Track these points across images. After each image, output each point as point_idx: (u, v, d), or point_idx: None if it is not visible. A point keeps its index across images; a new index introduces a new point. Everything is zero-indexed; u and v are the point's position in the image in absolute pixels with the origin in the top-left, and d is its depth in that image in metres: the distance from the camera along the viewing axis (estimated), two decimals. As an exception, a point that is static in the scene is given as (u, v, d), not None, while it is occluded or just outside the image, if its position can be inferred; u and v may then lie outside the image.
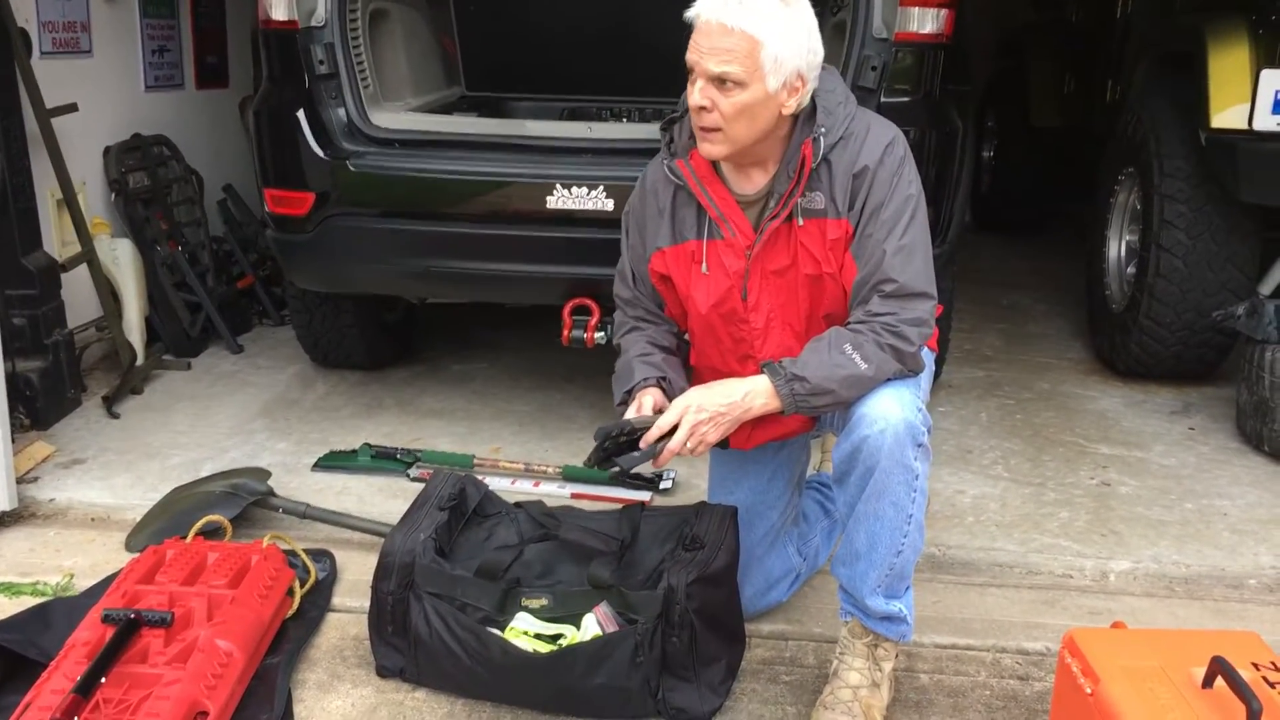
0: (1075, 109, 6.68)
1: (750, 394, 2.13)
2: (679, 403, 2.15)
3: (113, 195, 4.41)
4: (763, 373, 2.14)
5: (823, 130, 2.13)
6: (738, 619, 2.39)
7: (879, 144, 2.16)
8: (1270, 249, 4.02)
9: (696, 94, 2.09)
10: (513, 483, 3.25)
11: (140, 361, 4.16)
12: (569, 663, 2.18)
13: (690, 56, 2.10)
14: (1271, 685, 1.82)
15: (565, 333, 3.22)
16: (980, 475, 3.44)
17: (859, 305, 2.15)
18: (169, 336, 4.46)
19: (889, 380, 2.12)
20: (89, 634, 2.20)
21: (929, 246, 2.18)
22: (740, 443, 2.33)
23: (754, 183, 2.23)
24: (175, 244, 4.59)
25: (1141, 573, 2.88)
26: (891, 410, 2.07)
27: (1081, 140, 6.34)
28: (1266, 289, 3.99)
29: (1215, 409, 4.03)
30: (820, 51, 2.12)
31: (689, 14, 2.10)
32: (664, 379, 2.27)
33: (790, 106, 2.10)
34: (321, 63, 3.23)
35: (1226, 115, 3.69)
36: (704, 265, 2.24)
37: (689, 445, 2.13)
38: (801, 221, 2.16)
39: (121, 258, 4.27)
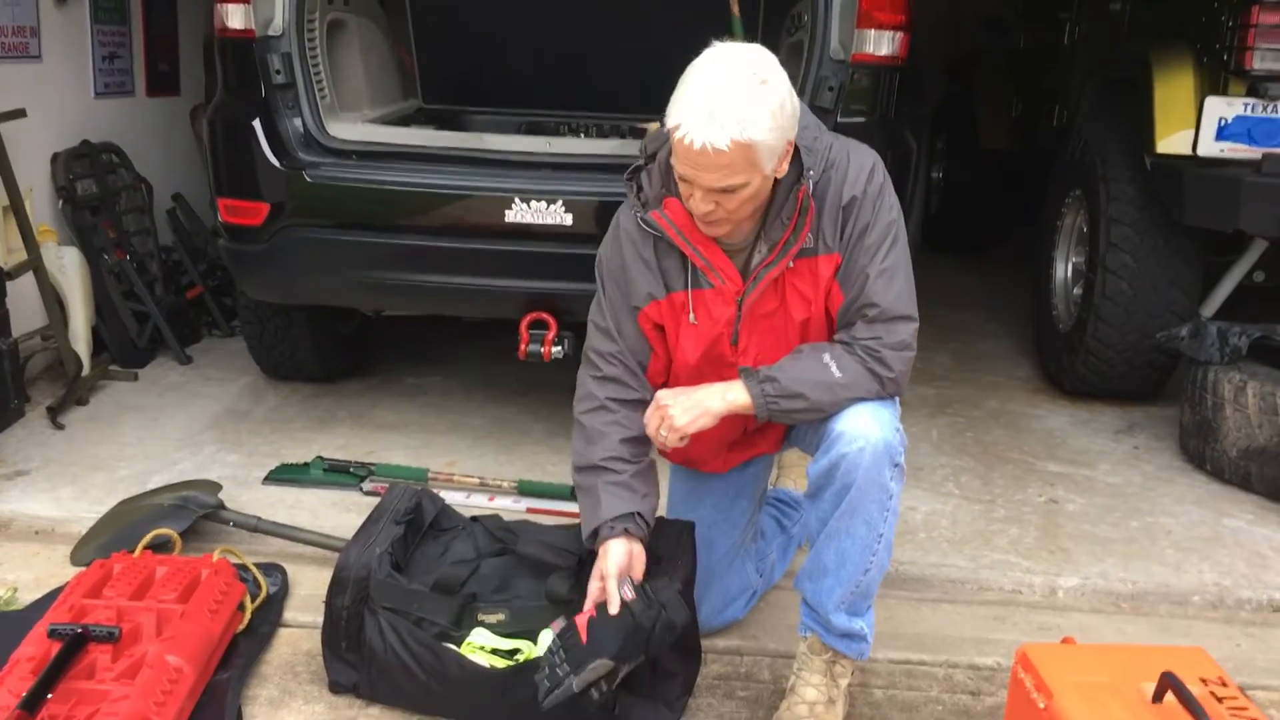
0: (1023, 132, 6.80)
1: (727, 391, 2.14)
2: (659, 397, 2.17)
3: (60, 202, 4.34)
4: (739, 378, 2.15)
5: (811, 172, 2.09)
6: (694, 635, 2.39)
7: (862, 171, 2.14)
8: (1213, 272, 4.11)
9: (699, 202, 2.02)
10: (467, 497, 3.23)
11: (86, 372, 4.09)
12: (526, 678, 2.16)
13: (683, 170, 1.99)
14: (1219, 700, 1.85)
15: (522, 347, 3.21)
16: (931, 492, 3.48)
17: (844, 329, 2.17)
18: (116, 346, 4.39)
19: (866, 399, 2.12)
20: (34, 649, 2.15)
21: (910, 269, 2.19)
22: (716, 467, 2.34)
23: (741, 230, 2.17)
24: (123, 253, 4.53)
25: (1089, 589, 2.93)
26: (870, 429, 2.08)
27: (1029, 163, 6.45)
28: (1209, 311, 4.09)
29: (1159, 428, 4.10)
30: (798, 108, 2.04)
31: (670, 123, 1.95)
32: (636, 514, 2.20)
33: (782, 170, 2.06)
34: (278, 72, 3.21)
35: (1171, 141, 3.77)
36: (691, 315, 2.21)
37: (662, 433, 2.15)
38: (792, 264, 2.15)
39: (68, 266, 4.20)
